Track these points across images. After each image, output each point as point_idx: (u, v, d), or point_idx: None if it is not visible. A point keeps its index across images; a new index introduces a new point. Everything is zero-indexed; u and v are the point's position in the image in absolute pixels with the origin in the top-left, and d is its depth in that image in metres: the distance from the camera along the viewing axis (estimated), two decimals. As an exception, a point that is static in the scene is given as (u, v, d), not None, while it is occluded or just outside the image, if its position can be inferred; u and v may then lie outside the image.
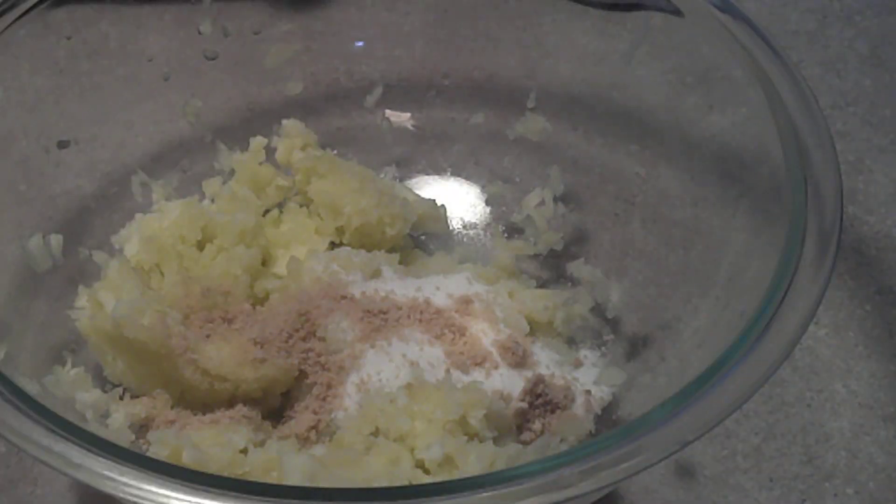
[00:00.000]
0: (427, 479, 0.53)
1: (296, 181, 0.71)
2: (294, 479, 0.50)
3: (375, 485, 0.50)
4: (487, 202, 0.74)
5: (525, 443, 0.58)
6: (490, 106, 0.75)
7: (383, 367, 0.60)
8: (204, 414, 0.59)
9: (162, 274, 0.65)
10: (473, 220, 0.74)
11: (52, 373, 0.59)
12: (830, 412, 0.66)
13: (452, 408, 0.54)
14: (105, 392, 0.60)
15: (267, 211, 0.71)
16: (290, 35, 0.75)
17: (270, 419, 0.61)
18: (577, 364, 0.63)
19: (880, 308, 0.71)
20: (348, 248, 0.67)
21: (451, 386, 0.56)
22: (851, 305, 0.71)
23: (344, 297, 0.62)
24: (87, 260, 0.66)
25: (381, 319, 0.61)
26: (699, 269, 0.62)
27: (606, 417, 0.61)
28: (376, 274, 0.65)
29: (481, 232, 0.73)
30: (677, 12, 0.64)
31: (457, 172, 0.76)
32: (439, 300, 0.63)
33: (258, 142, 0.71)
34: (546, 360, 0.63)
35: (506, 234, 0.72)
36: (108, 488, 0.43)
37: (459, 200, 0.74)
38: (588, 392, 0.61)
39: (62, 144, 0.67)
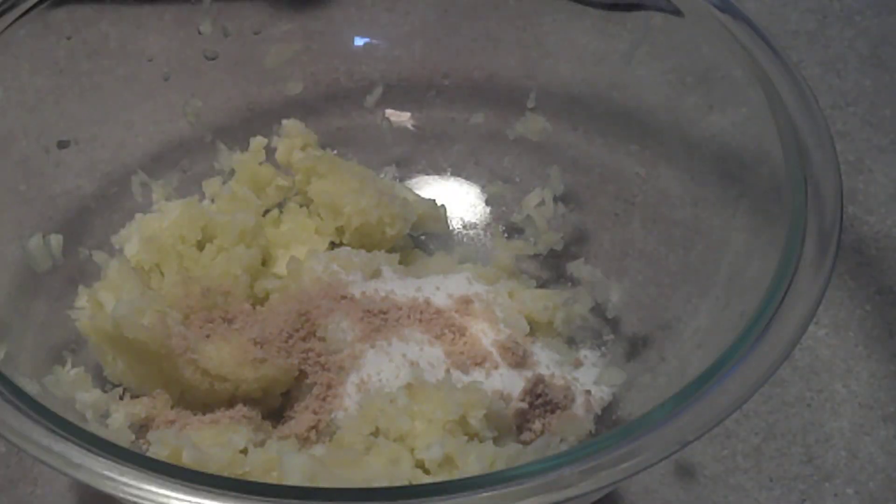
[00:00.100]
0: (427, 479, 0.53)
1: (296, 181, 0.71)
2: (294, 479, 0.49)
3: (375, 485, 0.50)
4: (487, 202, 0.74)
5: (525, 443, 0.58)
6: (490, 106, 0.75)
7: (383, 367, 0.60)
8: (204, 414, 0.59)
9: (162, 274, 0.65)
10: (473, 220, 0.74)
11: (52, 373, 0.59)
12: (830, 412, 0.66)
13: (452, 408, 0.54)
14: (105, 392, 0.60)
15: (267, 211, 0.71)
16: (290, 35, 0.75)
17: (270, 419, 0.60)
18: (577, 364, 0.63)
19: (880, 308, 0.71)
20: (348, 248, 0.67)
21: (451, 386, 0.56)
22: (851, 305, 0.71)
23: (344, 297, 0.62)
24: (87, 260, 0.66)
25: (381, 319, 0.61)
26: (699, 269, 0.62)
27: (606, 417, 0.61)
28: (376, 274, 0.65)
29: (481, 232, 0.73)
30: (677, 12, 0.64)
31: (457, 172, 0.75)
32: (439, 300, 0.63)
33: (258, 142, 0.71)
34: (546, 360, 0.63)
35: (506, 234, 0.72)
36: (108, 488, 0.43)
37: (459, 200, 0.74)
38: (588, 392, 0.61)
39: (62, 144, 0.67)
